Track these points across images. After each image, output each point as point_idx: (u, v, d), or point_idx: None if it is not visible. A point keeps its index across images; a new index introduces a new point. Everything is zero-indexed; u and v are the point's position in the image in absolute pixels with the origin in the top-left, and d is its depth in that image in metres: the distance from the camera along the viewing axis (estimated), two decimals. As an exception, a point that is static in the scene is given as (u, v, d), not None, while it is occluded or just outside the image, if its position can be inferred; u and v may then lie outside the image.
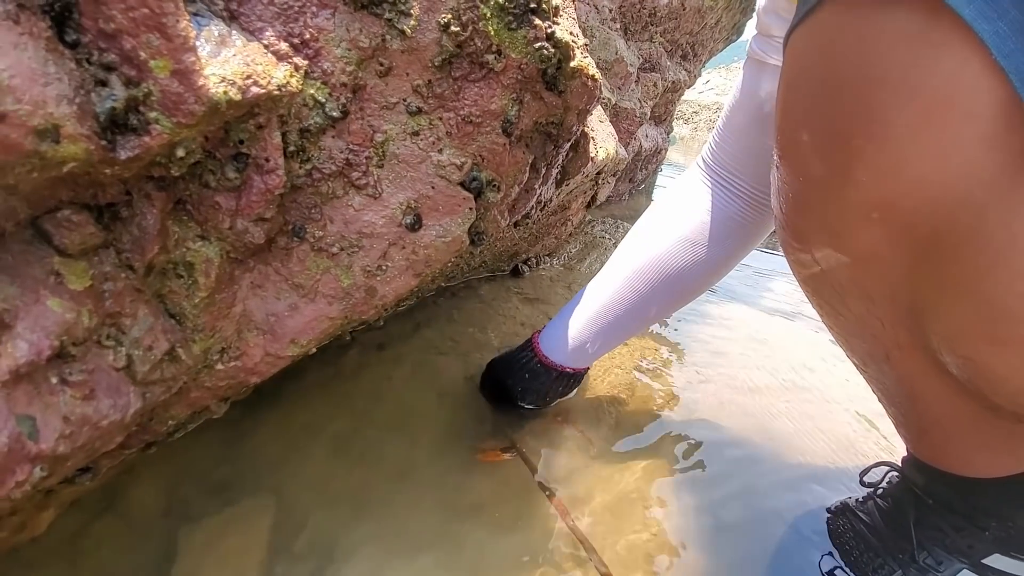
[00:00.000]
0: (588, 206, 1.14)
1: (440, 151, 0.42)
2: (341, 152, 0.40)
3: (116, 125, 0.29)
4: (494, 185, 0.44)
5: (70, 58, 0.27)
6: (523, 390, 0.69)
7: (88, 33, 0.27)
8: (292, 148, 0.38)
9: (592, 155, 0.62)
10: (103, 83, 0.28)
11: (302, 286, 0.44)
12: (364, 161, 0.41)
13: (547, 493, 0.61)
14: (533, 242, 1.03)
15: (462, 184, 0.43)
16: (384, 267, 0.45)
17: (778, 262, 1.43)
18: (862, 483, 0.56)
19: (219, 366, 0.45)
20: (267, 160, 0.36)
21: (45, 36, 0.25)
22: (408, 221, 0.43)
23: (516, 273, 1.10)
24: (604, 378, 0.84)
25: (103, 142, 0.28)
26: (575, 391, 0.76)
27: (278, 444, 0.66)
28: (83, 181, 0.30)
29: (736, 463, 0.71)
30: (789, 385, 0.89)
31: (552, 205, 0.75)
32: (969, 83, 0.25)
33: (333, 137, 0.40)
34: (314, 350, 0.70)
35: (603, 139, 0.67)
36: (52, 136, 0.25)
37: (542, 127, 0.45)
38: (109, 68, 0.28)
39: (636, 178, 1.74)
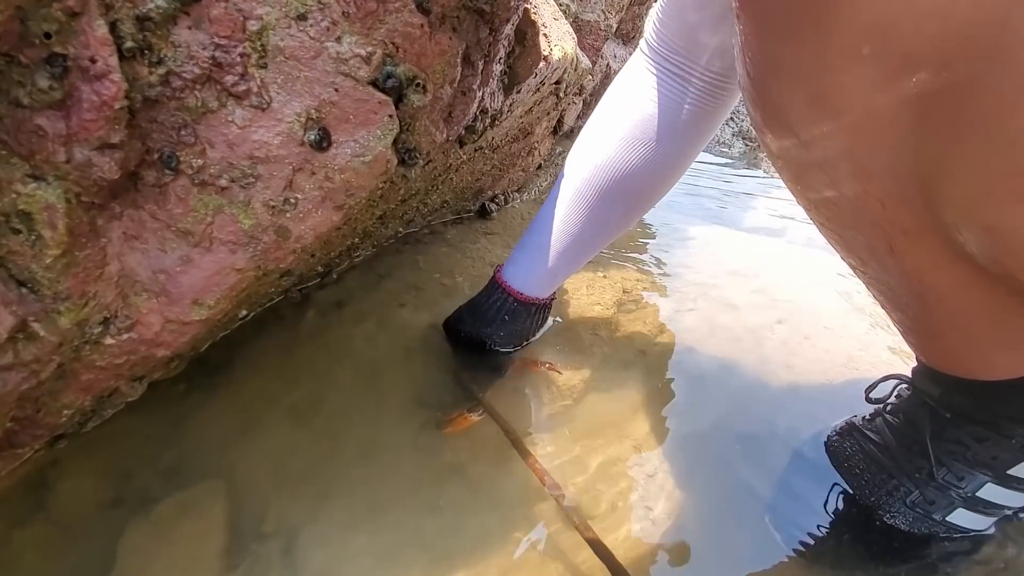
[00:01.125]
0: (555, 132, 1.04)
1: (338, 39, 0.32)
2: (204, 48, 0.30)
3: None
4: (418, 84, 0.35)
5: None
6: (504, 335, 0.64)
7: None
8: (131, 44, 0.29)
9: (545, 52, 0.53)
10: None
11: (191, 232, 0.35)
12: (239, 60, 0.31)
13: (520, 449, 0.55)
14: (498, 176, 0.93)
15: (374, 84, 0.34)
16: (293, 200, 0.36)
17: (758, 183, 1.36)
18: (868, 400, 0.50)
19: (108, 340, 0.37)
20: (93, 61, 0.27)
21: None
22: (312, 138, 0.34)
23: (484, 213, 1.01)
24: (586, 315, 0.78)
25: None
26: (549, 324, 0.72)
27: (231, 419, 0.59)
28: None
29: (728, 390, 0.66)
30: (780, 306, 0.83)
31: (508, 124, 0.65)
32: None
33: (189, 28, 0.30)
34: (244, 313, 0.62)
35: (559, 37, 0.57)
36: None
37: (470, 3, 0.36)
38: None
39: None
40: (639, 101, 0.55)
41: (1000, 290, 0.30)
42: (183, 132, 0.32)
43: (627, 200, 0.59)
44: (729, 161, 1.52)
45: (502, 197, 1.00)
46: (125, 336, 0.38)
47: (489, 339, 0.65)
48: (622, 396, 0.64)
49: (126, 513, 0.49)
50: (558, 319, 0.76)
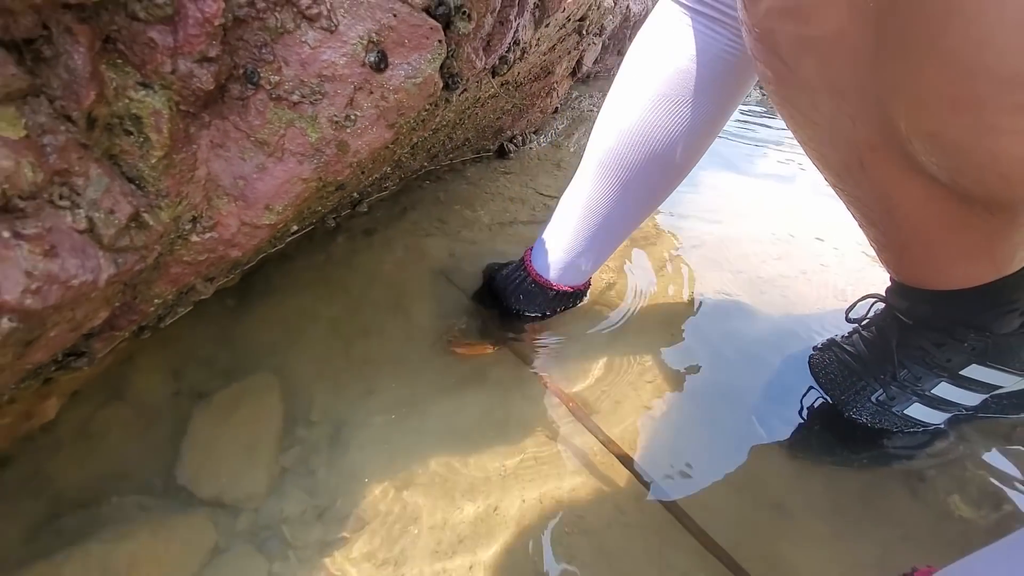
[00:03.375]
0: (573, 75, 1.06)
1: (398, -31, 0.37)
2: (284, -26, 0.35)
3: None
4: (464, 12, 0.40)
5: None
6: (523, 307, 0.65)
7: None
8: (226, -31, 0.33)
9: (572, -11, 0.56)
10: None
11: (266, 143, 0.41)
12: (313, -15, 0.36)
13: (534, 370, 0.62)
14: (518, 116, 0.97)
15: (427, 11, 0.38)
16: (352, 117, 0.41)
17: (773, 132, 1.38)
18: (848, 319, 0.57)
19: (194, 237, 0.43)
20: (198, -19, 0.32)
21: None
22: (372, 59, 0.39)
23: (502, 153, 1.05)
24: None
25: (-9, -55, 0.24)
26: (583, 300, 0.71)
27: (276, 328, 0.67)
28: (-16, 4, 0.26)
29: (725, 313, 0.72)
30: (781, 245, 0.89)
31: (533, 59, 0.69)
32: None
33: (272, -45, 0.34)
34: (296, 228, 0.69)
35: (584, -27, 0.60)
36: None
37: (512, -63, 0.40)
38: None
39: (624, 49, 1.62)
40: (670, 54, 0.49)
41: (952, 201, 0.36)
42: (263, 50, 0.37)
43: (661, 170, 0.53)
44: (746, 108, 1.52)
45: (520, 138, 1.04)
46: (207, 235, 0.44)
47: (510, 307, 0.64)
48: (628, 317, 0.71)
49: (191, 400, 0.57)
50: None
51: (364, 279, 0.75)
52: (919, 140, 0.32)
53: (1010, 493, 0.51)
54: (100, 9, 0.31)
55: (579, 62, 1.00)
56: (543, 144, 1.14)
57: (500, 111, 0.86)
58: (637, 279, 0.77)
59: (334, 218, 0.80)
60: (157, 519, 0.48)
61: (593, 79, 1.40)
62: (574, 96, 1.31)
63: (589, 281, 0.66)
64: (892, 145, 0.34)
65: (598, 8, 0.72)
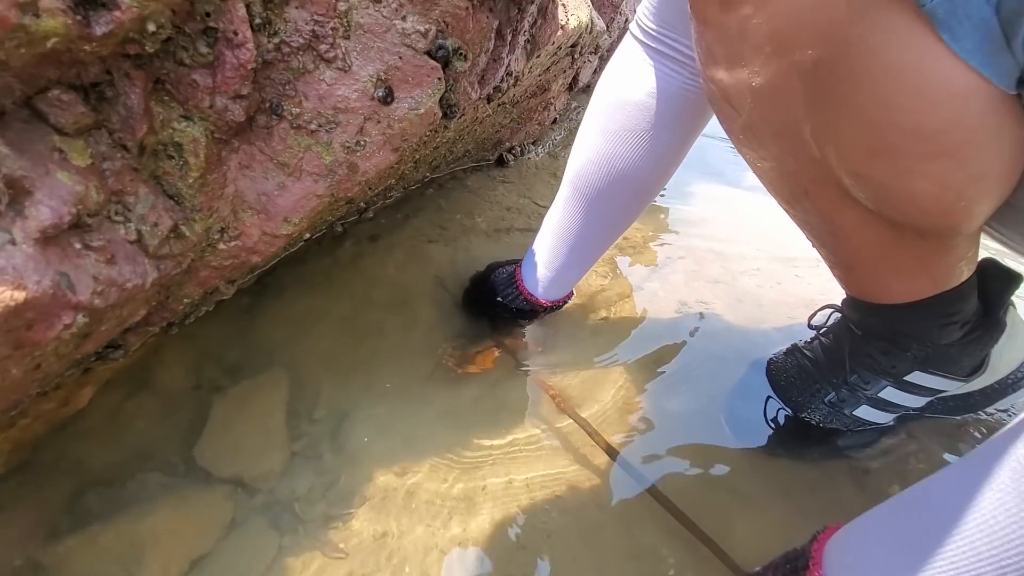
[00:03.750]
0: (570, 89, 1.12)
1: (404, 18, 0.42)
2: (306, 23, 0.41)
3: (88, 0, 0.30)
4: (461, 53, 0.45)
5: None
6: (515, 317, 0.70)
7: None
8: (258, 21, 0.39)
9: (562, 22, 0.62)
10: (65, -46, 0.29)
11: (287, 164, 0.46)
12: (330, 32, 0.42)
13: (525, 366, 0.68)
14: (516, 128, 1.03)
15: (429, 53, 0.44)
16: (362, 142, 0.47)
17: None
18: (810, 326, 0.62)
19: (221, 246, 0.49)
20: (235, 33, 0.38)
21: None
22: (380, 94, 0.45)
23: (501, 162, 1.11)
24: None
25: (78, 17, 0.30)
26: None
27: (286, 327, 0.73)
28: (66, 59, 0.32)
29: (703, 319, 0.78)
30: (761, 256, 0.94)
31: (527, 82, 0.74)
32: None
33: (297, 8, 0.40)
34: (308, 235, 0.74)
35: (575, 6, 0.66)
36: (32, 9, 0.27)
37: (504, -11, 0.45)
38: (67, -62, 0.29)
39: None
40: (632, 90, 0.53)
41: (886, 227, 0.41)
42: (287, 87, 0.43)
43: (625, 195, 0.57)
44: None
45: (519, 148, 1.09)
46: (232, 243, 0.50)
47: (498, 317, 0.70)
48: (612, 320, 0.77)
49: (210, 392, 0.63)
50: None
51: (369, 281, 0.81)
52: (848, 178, 0.37)
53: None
54: (153, 57, 0.37)
55: (575, 78, 1.05)
56: (541, 155, 1.20)
57: (499, 125, 0.92)
58: (623, 286, 0.83)
59: (342, 224, 0.86)
60: (178, 496, 0.54)
61: (591, 89, 1.45)
62: (572, 107, 1.37)
63: (572, 292, 0.71)
64: (830, 179, 0.40)
65: (590, 33, 0.77)
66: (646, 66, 0.53)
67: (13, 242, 0.28)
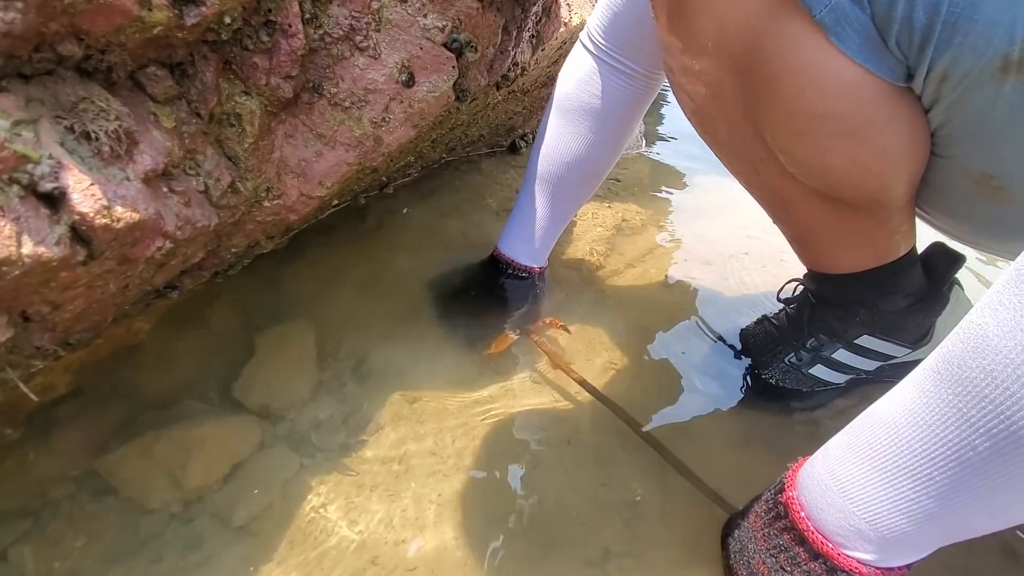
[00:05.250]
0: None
1: (425, 15, 0.51)
2: (345, 19, 0.50)
3: (181, -3, 0.40)
4: (472, 46, 0.54)
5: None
6: (510, 302, 0.76)
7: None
8: (307, 16, 0.48)
9: (565, 20, 0.70)
10: (169, -38, 0.38)
11: (324, 135, 0.56)
12: (364, 26, 0.50)
13: (526, 329, 0.76)
14: (528, 116, 1.11)
15: (445, 45, 0.53)
16: (387, 119, 0.56)
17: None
18: (778, 299, 0.70)
19: (266, 203, 0.59)
20: (290, 26, 0.47)
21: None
22: (403, 78, 0.53)
23: (513, 149, 1.19)
24: (589, 234, 0.97)
25: (176, 11, 0.39)
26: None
27: (313, 284, 0.82)
28: (162, 43, 0.41)
29: (691, 296, 0.86)
30: (750, 241, 1.01)
31: (536, 73, 0.83)
32: None
33: (338, 6, 0.49)
34: (335, 203, 0.84)
35: (578, 5, 0.74)
36: (147, 5, 0.36)
37: (510, -8, 0.54)
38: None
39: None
40: (583, 94, 0.63)
41: (825, 200, 0.48)
42: (327, 70, 0.52)
43: (579, 177, 0.68)
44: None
45: (531, 135, 1.18)
46: (275, 201, 0.59)
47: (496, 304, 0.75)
48: (610, 294, 0.85)
49: (251, 332, 0.73)
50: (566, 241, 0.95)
51: (387, 249, 0.90)
52: (781, 156, 0.45)
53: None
54: (225, 43, 0.46)
55: (585, 72, 1.13)
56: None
57: (511, 113, 1.00)
58: (620, 263, 0.91)
59: (364, 197, 0.95)
60: (215, 419, 0.63)
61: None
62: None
63: (546, 263, 0.77)
64: (773, 158, 0.47)
65: (596, 30, 0.85)
66: (595, 74, 0.62)
67: (128, 179, 0.37)
